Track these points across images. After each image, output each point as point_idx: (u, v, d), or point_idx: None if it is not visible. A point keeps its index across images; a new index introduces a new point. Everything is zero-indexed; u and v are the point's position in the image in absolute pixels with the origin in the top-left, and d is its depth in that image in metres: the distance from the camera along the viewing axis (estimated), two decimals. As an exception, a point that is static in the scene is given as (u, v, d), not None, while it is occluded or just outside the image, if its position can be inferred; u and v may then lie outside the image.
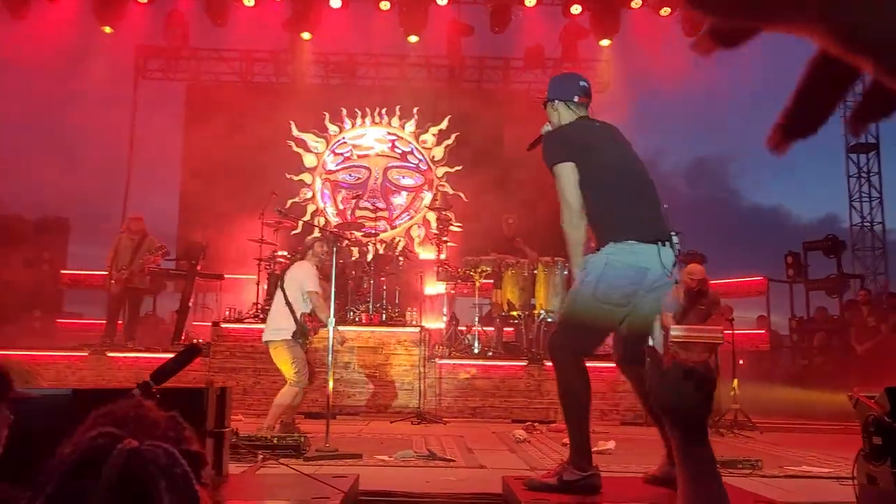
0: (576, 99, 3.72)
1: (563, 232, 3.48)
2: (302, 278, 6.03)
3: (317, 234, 12.18)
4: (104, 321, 9.52)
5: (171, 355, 6.56)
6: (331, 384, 5.61)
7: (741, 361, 8.73)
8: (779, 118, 0.66)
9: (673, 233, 3.49)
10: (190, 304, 10.27)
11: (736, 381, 7.60)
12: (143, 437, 0.97)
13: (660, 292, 3.43)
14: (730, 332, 7.69)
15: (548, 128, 3.75)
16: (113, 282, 9.13)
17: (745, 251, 11.34)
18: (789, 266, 12.34)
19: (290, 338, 5.92)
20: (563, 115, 3.72)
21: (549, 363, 8.08)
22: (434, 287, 9.92)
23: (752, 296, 12.01)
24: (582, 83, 3.78)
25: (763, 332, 11.73)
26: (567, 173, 3.43)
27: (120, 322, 9.45)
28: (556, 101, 3.75)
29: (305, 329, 6.02)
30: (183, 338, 9.54)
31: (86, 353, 8.47)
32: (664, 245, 3.39)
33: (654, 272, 3.35)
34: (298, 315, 5.95)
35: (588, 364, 3.42)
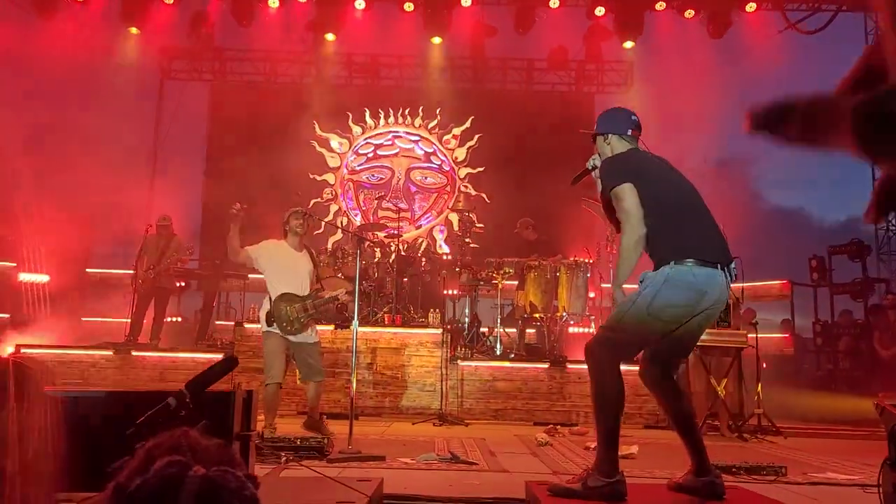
0: (629, 133, 3.79)
1: (619, 250, 3.50)
2: None
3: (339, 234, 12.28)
4: (128, 320, 9.64)
5: (192, 355, 6.67)
6: (354, 385, 5.64)
7: (764, 365, 8.65)
8: (872, 198, 0.91)
9: (733, 258, 3.55)
10: (214, 305, 10.36)
11: (760, 386, 7.54)
12: (203, 465, 1.01)
13: (711, 314, 3.48)
14: (753, 335, 7.63)
15: (595, 161, 3.85)
16: (140, 281, 9.23)
17: (767, 254, 11.20)
18: (813, 269, 12.23)
19: (266, 328, 5.83)
20: (615, 146, 3.79)
21: (571, 366, 8.10)
22: (456, 288, 9.93)
23: (775, 299, 11.91)
24: (633, 118, 3.85)
25: (787, 335, 11.63)
26: (629, 194, 3.44)
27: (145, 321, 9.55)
28: (610, 135, 3.82)
29: (284, 313, 5.78)
30: (207, 337, 9.63)
31: (111, 353, 8.57)
32: (724, 269, 3.44)
33: (711, 296, 3.40)
34: (273, 297, 5.82)
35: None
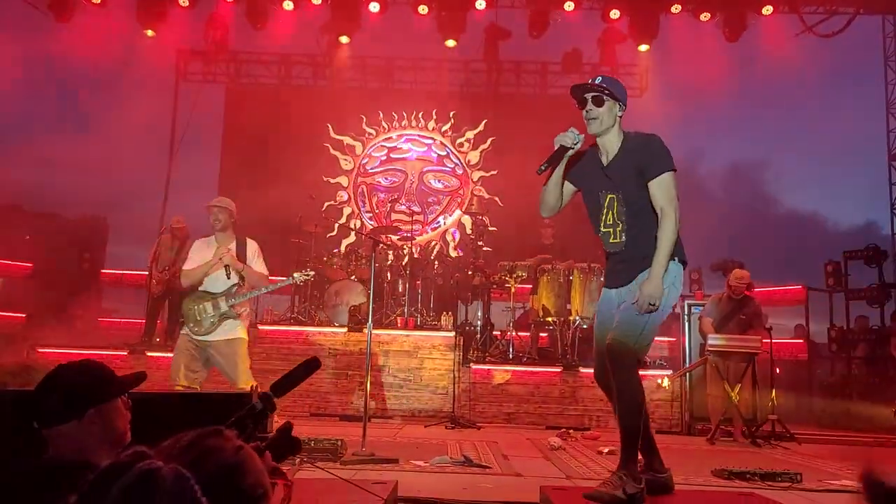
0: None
1: (665, 237, 3.35)
2: None
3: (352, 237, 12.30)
4: (143, 321, 9.70)
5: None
6: (368, 387, 5.65)
7: (778, 370, 8.60)
8: None
9: None
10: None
11: (774, 392, 7.50)
12: (206, 464, 1.04)
13: None
14: (767, 340, 7.59)
15: (577, 138, 3.47)
16: (154, 282, 9.28)
17: (781, 258, 11.14)
18: (829, 275, 12.13)
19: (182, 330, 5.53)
20: (619, 121, 3.56)
21: (584, 370, 8.08)
22: (469, 291, 9.92)
23: (790, 304, 11.82)
24: None
25: (801, 341, 11.54)
26: (675, 181, 3.42)
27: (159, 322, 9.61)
28: (622, 105, 3.56)
29: (191, 312, 5.41)
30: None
31: (125, 353, 8.63)
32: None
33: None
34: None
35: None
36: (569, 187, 3.72)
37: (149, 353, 8.62)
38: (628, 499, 3.16)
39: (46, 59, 11.49)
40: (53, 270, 11.51)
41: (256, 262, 5.56)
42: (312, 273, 5.33)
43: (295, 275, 5.39)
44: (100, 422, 1.90)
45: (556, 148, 3.48)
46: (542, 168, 3.49)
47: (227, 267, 5.47)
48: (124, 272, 12.35)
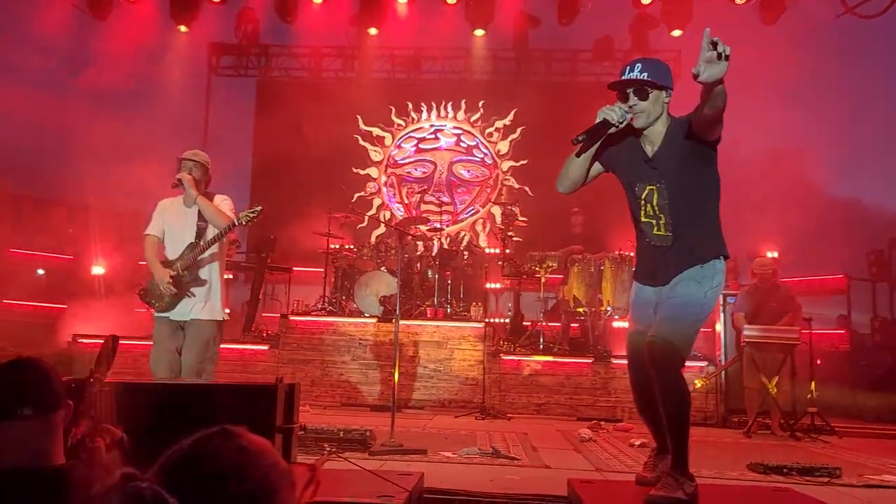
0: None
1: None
2: None
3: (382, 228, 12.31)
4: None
5: (239, 346, 6.51)
6: (396, 378, 5.63)
7: (819, 362, 8.39)
8: None
9: None
10: (260, 297, 10.49)
11: (813, 384, 7.32)
12: (212, 465, 1.01)
13: None
14: (807, 331, 7.40)
15: (619, 113, 3.16)
16: (186, 274, 9.36)
17: (822, 247, 10.85)
18: (872, 264, 11.82)
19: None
20: (667, 107, 3.30)
21: (615, 361, 7.97)
22: (499, 282, 9.86)
23: (830, 294, 11.53)
24: None
25: (843, 332, 11.27)
26: None
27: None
28: (669, 90, 3.29)
29: (151, 284, 4.81)
30: (253, 329, 9.75)
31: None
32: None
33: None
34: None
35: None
36: (597, 168, 3.46)
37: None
38: (689, 499, 3.09)
39: (85, 57, 11.71)
40: (93, 263, 11.73)
41: (223, 205, 4.84)
42: (259, 208, 4.62)
43: (240, 214, 4.68)
44: (38, 425, 1.77)
45: (597, 121, 3.16)
46: (579, 139, 3.15)
47: (200, 228, 4.80)
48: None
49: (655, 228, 3.35)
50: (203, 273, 4.79)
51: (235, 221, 4.67)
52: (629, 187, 3.43)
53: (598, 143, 3.27)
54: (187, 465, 1.05)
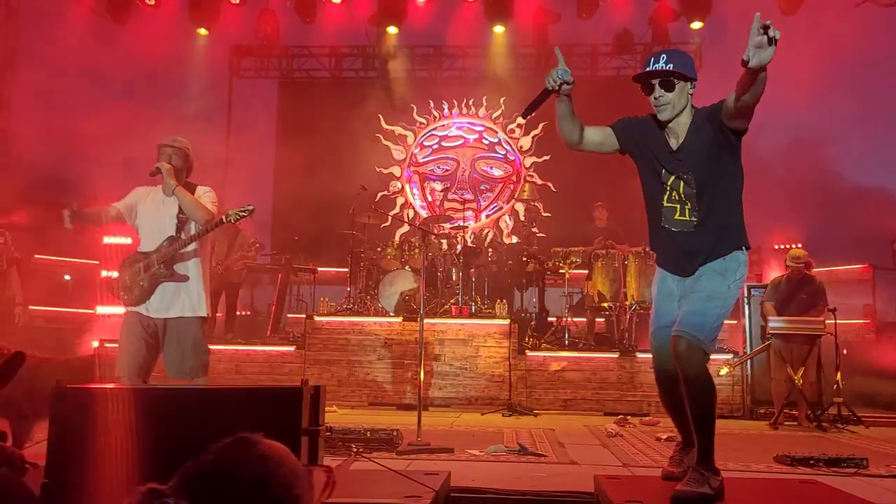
0: None
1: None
2: None
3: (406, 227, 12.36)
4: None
5: (266, 348, 6.44)
6: (421, 376, 5.68)
7: (845, 351, 8.32)
8: None
9: None
10: (286, 298, 10.60)
11: (839, 374, 7.26)
12: (235, 472, 1.05)
13: None
14: (832, 321, 7.34)
15: (555, 77, 3.33)
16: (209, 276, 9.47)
17: (846, 236, 10.75)
18: (896, 253, 11.67)
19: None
20: (691, 98, 3.32)
21: (641, 355, 7.97)
22: (524, 278, 9.87)
23: (854, 284, 11.40)
24: None
25: (869, 321, 11.14)
26: None
27: (219, 315, 9.83)
28: (693, 81, 3.30)
29: (123, 277, 4.56)
30: (280, 330, 9.86)
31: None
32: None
33: None
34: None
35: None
36: (611, 144, 3.51)
37: (210, 347, 8.81)
38: (716, 493, 3.10)
39: (107, 61, 11.86)
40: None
41: (204, 197, 4.61)
42: (251, 207, 4.50)
43: (230, 212, 4.49)
44: None
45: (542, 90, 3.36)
46: (525, 114, 3.47)
47: (180, 219, 4.54)
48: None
49: (679, 213, 3.35)
50: (181, 268, 4.53)
51: (224, 218, 4.48)
52: (653, 173, 3.43)
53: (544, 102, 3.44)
54: (212, 480, 1.08)
